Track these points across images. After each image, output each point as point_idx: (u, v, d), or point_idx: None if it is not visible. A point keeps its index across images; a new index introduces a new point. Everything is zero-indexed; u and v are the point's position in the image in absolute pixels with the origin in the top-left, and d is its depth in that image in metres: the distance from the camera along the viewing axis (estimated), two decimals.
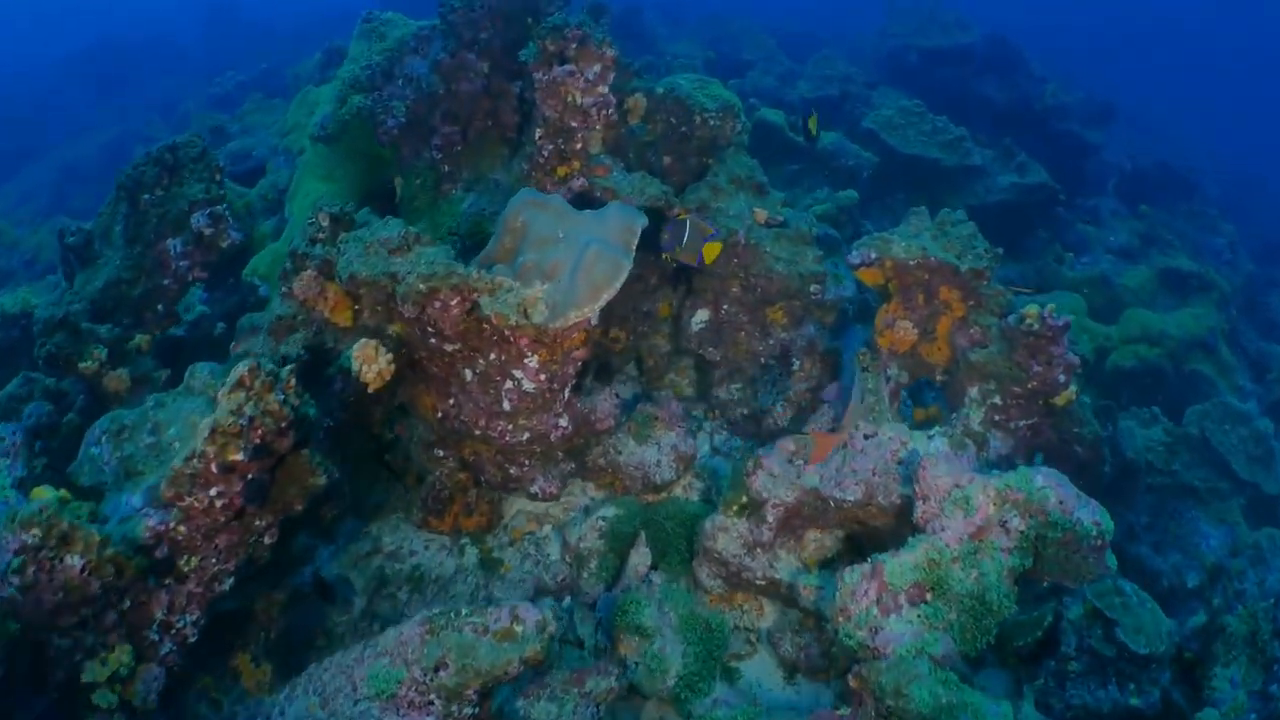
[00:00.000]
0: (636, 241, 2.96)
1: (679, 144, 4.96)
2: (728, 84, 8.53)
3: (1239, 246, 11.03)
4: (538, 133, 3.81)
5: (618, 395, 4.06)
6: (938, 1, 9.83)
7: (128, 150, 16.22)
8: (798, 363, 4.82)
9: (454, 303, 2.89)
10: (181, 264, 4.15)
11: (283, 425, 2.52)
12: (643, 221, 3.09)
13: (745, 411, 4.91)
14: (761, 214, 4.75)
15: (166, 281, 4.18)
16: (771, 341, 4.81)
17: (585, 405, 3.81)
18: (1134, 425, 5.86)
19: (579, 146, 3.81)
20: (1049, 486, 2.86)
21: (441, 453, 3.76)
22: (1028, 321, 3.49)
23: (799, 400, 4.82)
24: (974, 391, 3.90)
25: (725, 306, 4.76)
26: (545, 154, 3.81)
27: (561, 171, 3.81)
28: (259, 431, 2.50)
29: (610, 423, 3.90)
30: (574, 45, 3.78)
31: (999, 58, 9.91)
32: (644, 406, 4.26)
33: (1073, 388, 3.68)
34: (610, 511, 4.05)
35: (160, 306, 4.20)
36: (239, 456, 2.50)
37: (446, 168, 4.26)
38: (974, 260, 3.84)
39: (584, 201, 3.92)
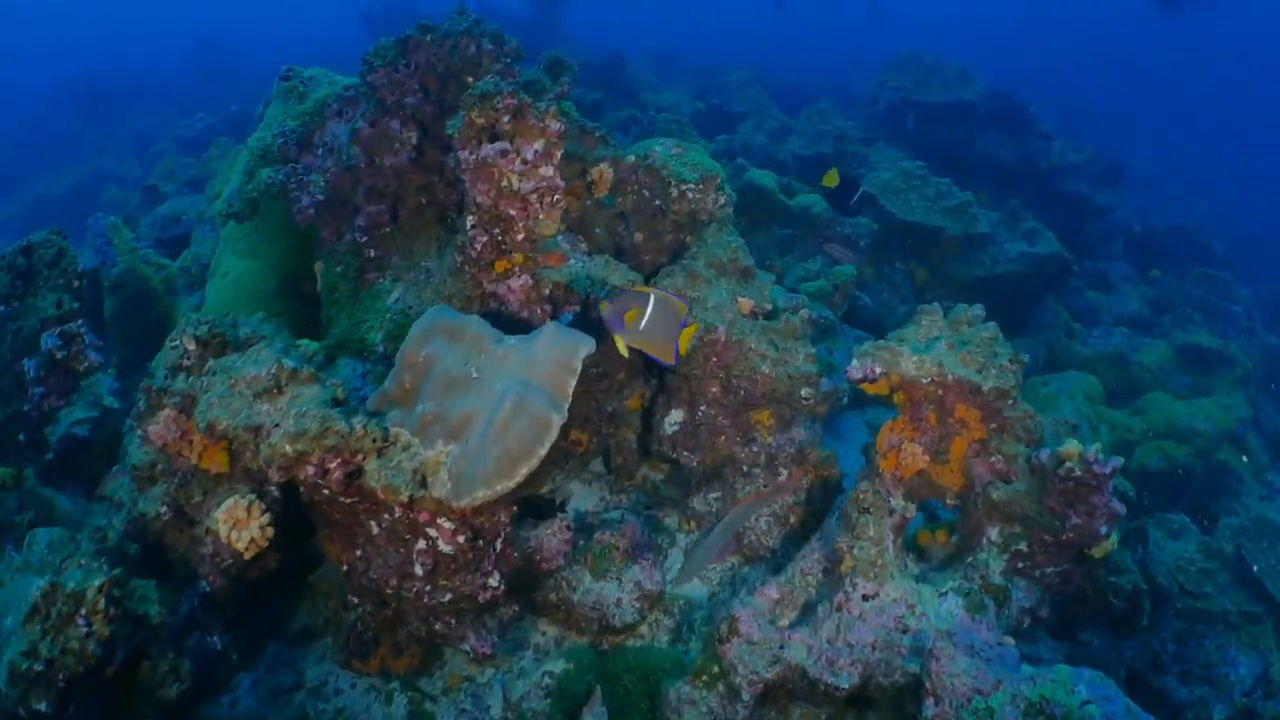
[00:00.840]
0: (575, 380, 2.29)
1: (652, 219, 4.35)
2: (715, 140, 8.04)
3: (1255, 313, 10.46)
4: (469, 221, 3.13)
5: (569, 526, 3.41)
6: (938, 54, 9.34)
7: (98, 189, 15.67)
8: (786, 473, 4.18)
9: (332, 467, 2.24)
10: (36, 390, 3.47)
11: (90, 664, 1.88)
12: (586, 348, 2.39)
13: None
14: (746, 303, 4.13)
15: (27, 408, 3.50)
16: (755, 448, 4.17)
17: (529, 541, 3.16)
18: (1161, 537, 5.22)
19: (520, 237, 3.15)
20: (1094, 702, 2.21)
21: (356, 600, 3.10)
22: (1067, 465, 2.85)
23: (786, 514, 4.18)
24: (994, 533, 3.24)
25: (702, 408, 4.12)
26: (479, 246, 3.13)
27: (500, 267, 3.14)
28: (61, 675, 1.87)
29: (559, 561, 3.25)
30: (507, 118, 3.11)
31: (1003, 113, 9.39)
32: (602, 535, 3.60)
33: (1113, 538, 3.04)
34: (559, 666, 3.38)
35: (22, 436, 3.51)
36: (42, 708, 1.86)
37: (372, 253, 3.58)
38: (999, 377, 3.20)
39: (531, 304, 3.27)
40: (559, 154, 3.09)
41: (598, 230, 4.42)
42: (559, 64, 3.89)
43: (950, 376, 3.19)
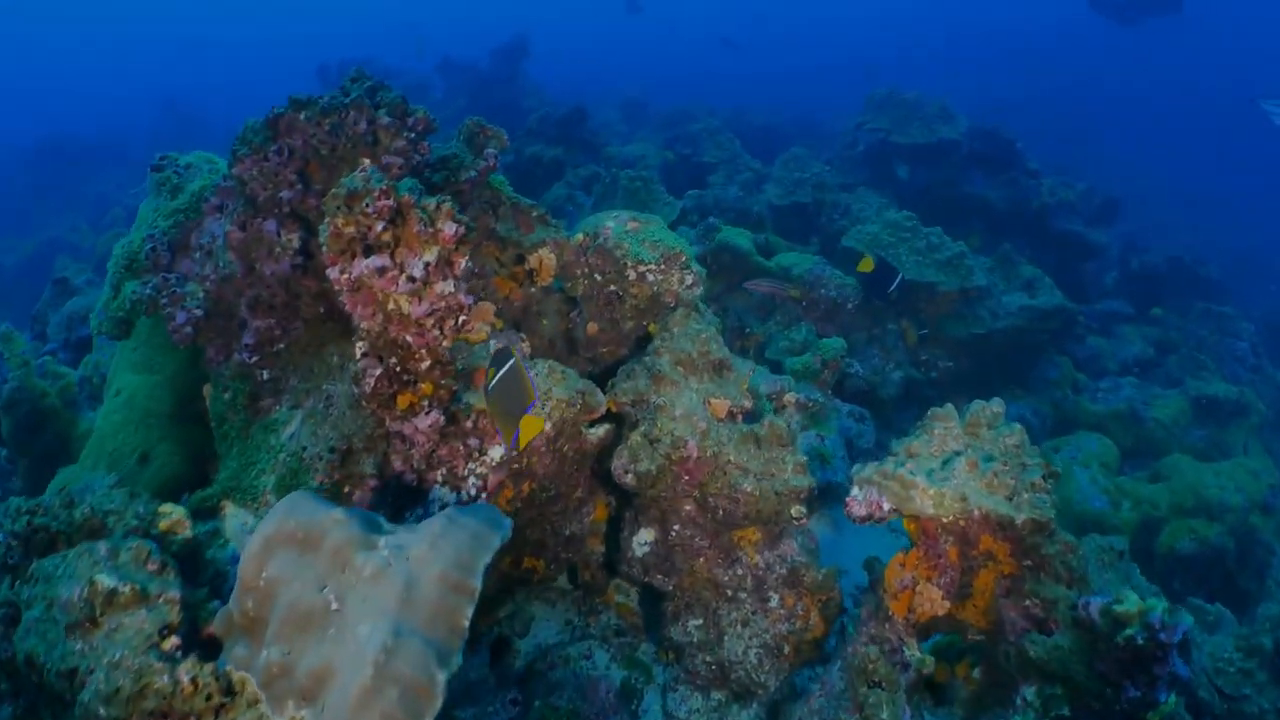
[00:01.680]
0: (475, 603, 1.64)
1: (608, 306, 3.76)
2: (685, 196, 7.51)
3: (1261, 349, 9.95)
4: (358, 348, 2.52)
5: None
6: (920, 93, 8.86)
7: (49, 261, 15.04)
8: (776, 597, 3.57)
9: None
10: None
11: None
12: (490, 548, 1.73)
13: (709, 659, 3.63)
14: (721, 405, 3.52)
15: None
16: (740, 570, 3.55)
17: None
18: (1198, 631, 4.62)
19: (425, 365, 2.50)
20: None
21: None
22: (1127, 632, 2.24)
23: (778, 644, 3.55)
24: (1030, 693, 2.63)
25: (676, 527, 3.52)
26: (372, 380, 2.50)
27: (404, 402, 2.51)
28: None
29: None
30: (382, 224, 2.41)
31: (989, 152, 8.90)
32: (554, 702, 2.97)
33: (1172, 700, 2.43)
34: None
35: None
36: None
37: (264, 374, 2.91)
38: (1034, 506, 2.59)
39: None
40: (463, 262, 2.43)
41: (546, 321, 3.83)
42: (481, 132, 3.30)
43: (977, 511, 2.58)
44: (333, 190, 2.27)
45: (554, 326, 3.82)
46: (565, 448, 3.32)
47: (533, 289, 3.69)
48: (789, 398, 4.80)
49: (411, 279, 2.33)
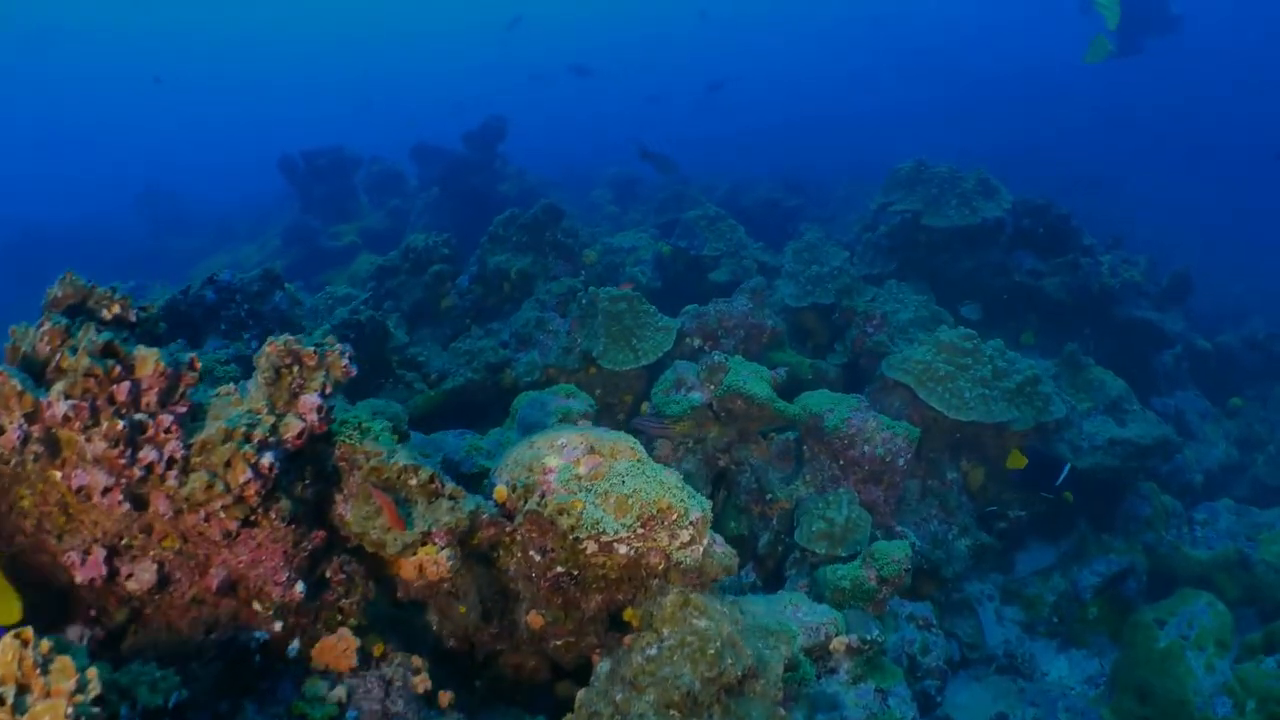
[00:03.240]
0: None
1: (557, 593, 2.36)
2: (682, 314, 6.13)
3: None
4: None
5: None
6: (952, 166, 7.53)
7: None
8: None
9: None
10: None
11: None
12: None
13: None
14: None
15: None
16: None
17: None
18: None
19: None
20: None
21: None
22: None
23: None
24: None
25: None
26: None
27: None
28: None
29: None
30: None
31: (1039, 230, 7.54)
32: None
33: None
34: None
35: None
36: None
37: None
38: None
39: None
40: None
41: (465, 608, 2.43)
42: (301, 363, 1.95)
43: None
44: None
45: (475, 621, 2.41)
46: None
47: (445, 565, 2.29)
48: (838, 644, 3.37)
49: None
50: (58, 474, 1.85)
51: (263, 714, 1.99)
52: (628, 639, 2.29)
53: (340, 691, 2.06)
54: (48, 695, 1.31)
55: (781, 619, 3.18)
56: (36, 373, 1.94)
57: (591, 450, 2.42)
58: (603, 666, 2.31)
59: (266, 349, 2.04)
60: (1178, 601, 5.13)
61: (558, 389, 5.11)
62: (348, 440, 2.21)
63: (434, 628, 2.45)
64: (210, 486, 1.90)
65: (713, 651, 2.21)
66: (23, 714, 1.27)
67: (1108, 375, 6.62)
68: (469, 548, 2.29)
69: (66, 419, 1.82)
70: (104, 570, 1.90)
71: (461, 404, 5.88)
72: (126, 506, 1.88)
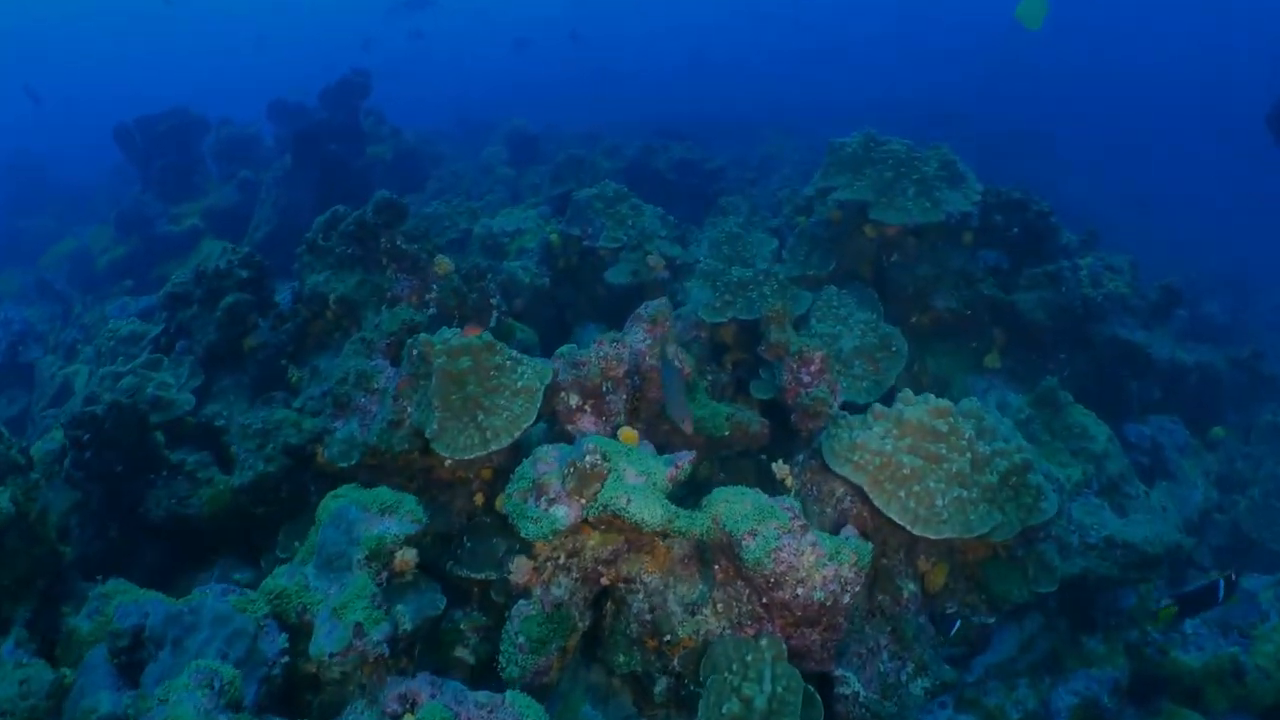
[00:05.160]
0: None
1: None
2: (556, 356, 4.55)
3: None
4: None
5: None
6: (910, 144, 6.01)
7: None
8: None
9: None
10: None
11: None
12: None
13: None
14: None
15: None
16: None
17: None
18: None
19: None
20: None
21: None
22: None
23: None
24: None
25: None
26: None
27: None
28: None
29: None
30: None
31: (1012, 228, 6.13)
32: None
33: None
34: None
35: None
36: None
37: None
38: None
39: None
40: None
41: None
42: None
43: None
44: None
45: None
46: None
47: None
48: None
49: None
50: None
51: None
52: None
53: None
54: None
55: None
56: None
57: None
58: None
59: None
60: None
61: (373, 498, 3.64)
62: None
63: None
64: None
65: None
66: None
67: (1089, 418, 5.39)
68: None
69: None
70: None
71: (265, 500, 4.40)
72: None
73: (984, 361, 6.03)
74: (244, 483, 4.25)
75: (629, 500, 3.27)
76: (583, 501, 3.41)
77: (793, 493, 4.42)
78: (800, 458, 4.44)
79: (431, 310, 5.00)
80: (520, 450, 4.04)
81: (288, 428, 4.22)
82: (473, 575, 4.07)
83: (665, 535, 3.41)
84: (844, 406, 4.63)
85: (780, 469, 4.45)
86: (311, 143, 9.19)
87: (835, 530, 3.80)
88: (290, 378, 4.97)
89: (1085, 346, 6.16)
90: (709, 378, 5.61)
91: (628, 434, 3.83)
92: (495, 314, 5.41)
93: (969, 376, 5.90)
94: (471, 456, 3.78)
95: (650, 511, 3.26)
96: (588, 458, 3.39)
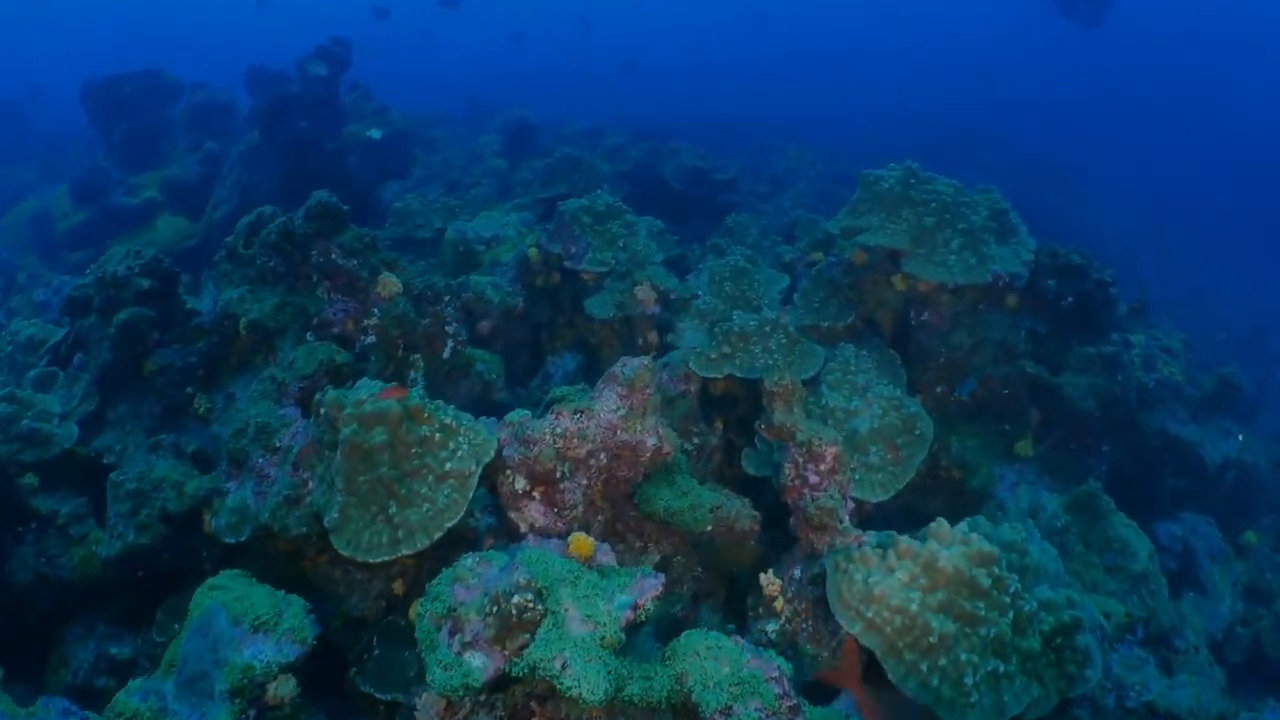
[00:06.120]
0: None
1: None
2: (503, 424, 3.62)
3: None
4: None
5: None
6: (957, 184, 5.13)
7: None
8: None
9: None
10: None
11: None
12: None
13: None
14: None
15: None
16: None
17: None
18: None
19: None
20: None
21: None
22: None
23: None
24: None
25: None
26: None
27: None
28: None
29: None
30: None
31: (1065, 297, 5.26)
32: None
33: None
34: None
35: None
36: None
37: None
38: None
39: None
40: None
41: None
42: None
43: None
44: None
45: None
46: None
47: None
48: None
49: None
50: None
51: None
52: None
53: None
54: None
55: None
56: None
57: None
58: None
59: None
60: None
61: (248, 607, 2.82)
62: None
63: None
64: None
65: None
66: None
67: (1131, 531, 4.61)
68: None
69: None
70: None
71: (143, 568, 3.59)
72: None
73: (1014, 448, 5.19)
74: (111, 555, 3.43)
75: (564, 666, 2.42)
76: (505, 654, 2.57)
77: (781, 618, 3.60)
78: (796, 573, 3.60)
79: (370, 339, 4.14)
80: (449, 542, 3.21)
81: (167, 489, 3.38)
82: (377, 695, 3.25)
83: (611, 711, 2.57)
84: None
85: (769, 582, 3.63)
86: (280, 117, 8.26)
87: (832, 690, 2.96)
88: (197, 408, 4.13)
89: (1129, 432, 5.31)
90: (695, 440, 4.79)
91: (580, 543, 2.98)
92: (450, 343, 4.57)
93: (997, 464, 5.06)
94: (376, 560, 2.93)
95: (591, 684, 2.41)
96: (515, 597, 2.54)
